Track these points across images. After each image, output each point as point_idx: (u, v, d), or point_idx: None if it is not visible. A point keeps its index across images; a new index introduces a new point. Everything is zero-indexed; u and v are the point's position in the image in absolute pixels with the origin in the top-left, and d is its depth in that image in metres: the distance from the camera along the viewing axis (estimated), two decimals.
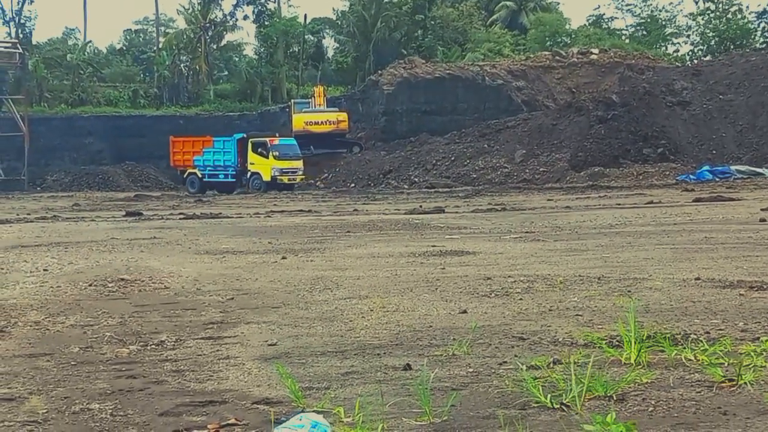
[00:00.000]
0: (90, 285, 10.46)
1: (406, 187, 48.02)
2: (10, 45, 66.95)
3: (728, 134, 46.25)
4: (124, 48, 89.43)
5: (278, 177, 49.71)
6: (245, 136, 52.04)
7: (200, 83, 74.40)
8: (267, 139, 50.91)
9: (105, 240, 17.44)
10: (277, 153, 49.94)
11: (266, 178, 49.98)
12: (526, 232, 17.49)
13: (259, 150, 50.45)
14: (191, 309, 8.74)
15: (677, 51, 79.81)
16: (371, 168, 52.94)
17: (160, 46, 79.56)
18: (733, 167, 41.75)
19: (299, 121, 56.10)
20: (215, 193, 49.26)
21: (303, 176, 50.88)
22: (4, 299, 9.56)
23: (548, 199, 32.35)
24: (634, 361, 5.63)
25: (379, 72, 62.96)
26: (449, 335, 6.93)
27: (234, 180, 51.61)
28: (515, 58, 66.06)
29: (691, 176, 40.71)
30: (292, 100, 61.05)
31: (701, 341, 6.16)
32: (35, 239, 18.08)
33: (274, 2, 79.63)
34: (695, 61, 67.23)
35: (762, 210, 21.04)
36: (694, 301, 8.12)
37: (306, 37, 77.80)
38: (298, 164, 50.52)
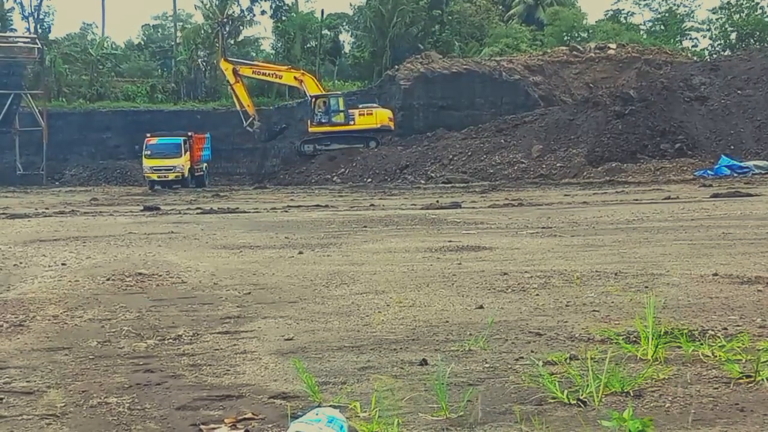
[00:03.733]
0: (108, 279, 10.50)
1: (422, 182, 47.94)
2: (28, 40, 67.25)
3: (746, 129, 45.97)
4: (142, 43, 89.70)
5: (147, 174, 51.26)
6: (148, 135, 52.93)
7: (217, 78, 74.46)
8: (146, 138, 51.84)
9: (123, 234, 17.52)
10: (149, 152, 51.18)
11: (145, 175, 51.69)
12: (543, 228, 17.44)
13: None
14: (208, 303, 8.76)
15: (695, 46, 79.51)
16: (388, 163, 52.89)
17: (178, 41, 79.77)
18: (751, 163, 41.50)
19: (384, 116, 55.87)
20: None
21: (178, 173, 51.45)
22: (22, 293, 9.62)
23: (565, 195, 32.22)
24: (651, 357, 5.62)
25: (396, 67, 62.82)
26: (465, 330, 6.93)
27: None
28: (532, 53, 65.88)
29: (709, 172, 40.48)
30: (340, 96, 58.96)
31: (719, 337, 6.13)
32: (53, 234, 18.18)
33: None
34: (713, 56, 66.87)
35: None
36: (711, 297, 8.08)
37: (323, 32, 77.81)
38: (172, 162, 51.09)
